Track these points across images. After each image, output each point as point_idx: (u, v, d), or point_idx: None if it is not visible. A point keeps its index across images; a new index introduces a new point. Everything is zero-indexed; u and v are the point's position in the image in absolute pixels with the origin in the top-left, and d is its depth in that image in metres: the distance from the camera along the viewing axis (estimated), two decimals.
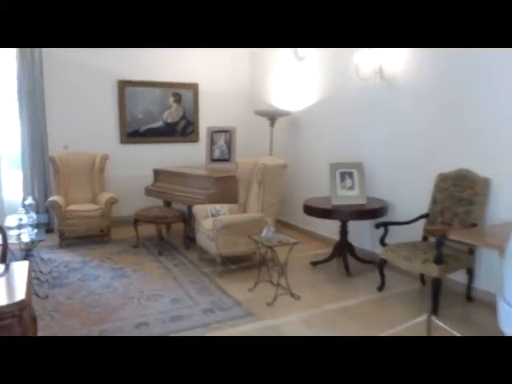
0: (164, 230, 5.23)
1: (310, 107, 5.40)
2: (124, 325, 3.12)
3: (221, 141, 5.48)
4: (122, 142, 5.91)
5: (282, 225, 5.47)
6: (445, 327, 2.46)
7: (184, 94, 6.21)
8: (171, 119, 6.19)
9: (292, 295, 3.54)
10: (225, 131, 5.48)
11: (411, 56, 3.98)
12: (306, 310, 3.34)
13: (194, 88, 6.25)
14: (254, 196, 4.41)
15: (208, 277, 4.03)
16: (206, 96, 6.34)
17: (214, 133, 5.51)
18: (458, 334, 2.43)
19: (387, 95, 4.25)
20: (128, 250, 4.86)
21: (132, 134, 5.95)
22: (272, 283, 3.70)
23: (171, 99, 6.14)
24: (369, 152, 4.48)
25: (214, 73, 6.37)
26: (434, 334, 2.54)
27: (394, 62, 4.14)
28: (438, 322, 2.46)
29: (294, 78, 5.64)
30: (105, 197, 5.11)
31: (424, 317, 2.41)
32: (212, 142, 5.49)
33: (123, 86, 5.80)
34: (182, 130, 6.30)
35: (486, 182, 3.34)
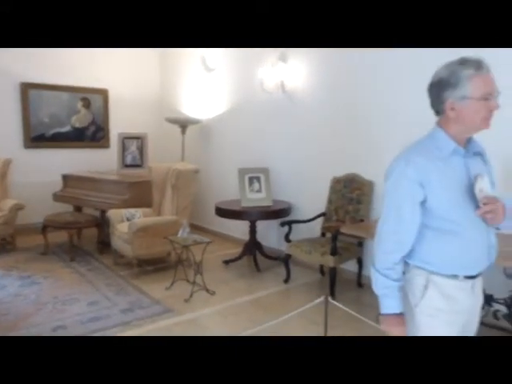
0: (74, 236, 5.15)
1: (219, 116, 5.73)
2: (40, 330, 3.12)
3: (133, 147, 5.56)
4: (27, 146, 5.69)
5: (195, 228, 5.70)
6: (339, 306, 2.92)
7: (93, 98, 6.16)
8: (80, 124, 6.10)
9: (208, 291, 3.81)
10: (136, 138, 5.58)
11: (308, 73, 4.51)
12: (221, 304, 3.64)
13: (103, 93, 6.23)
14: (168, 199, 4.60)
15: (125, 279, 4.13)
16: (117, 102, 6.36)
17: (125, 139, 5.58)
18: (351, 312, 2.91)
19: (289, 107, 4.74)
20: (36, 257, 4.73)
21: (37, 138, 5.75)
22: (188, 281, 3.93)
23: (80, 104, 6.05)
24: (274, 158, 4.94)
25: (125, 79, 6.41)
26: (331, 313, 3.00)
27: (294, 78, 4.64)
28: (333, 301, 2.92)
29: (204, 88, 5.94)
30: (9, 203, 4.90)
31: (322, 298, 2.84)
32: (124, 148, 5.55)
33: (27, 88, 5.59)
34: (92, 135, 6.23)
35: (370, 184, 3.95)
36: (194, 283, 3.77)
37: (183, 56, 6.26)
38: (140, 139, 5.56)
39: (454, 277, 1.46)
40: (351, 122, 4.14)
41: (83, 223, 4.79)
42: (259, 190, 4.57)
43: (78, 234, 5.27)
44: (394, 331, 1.50)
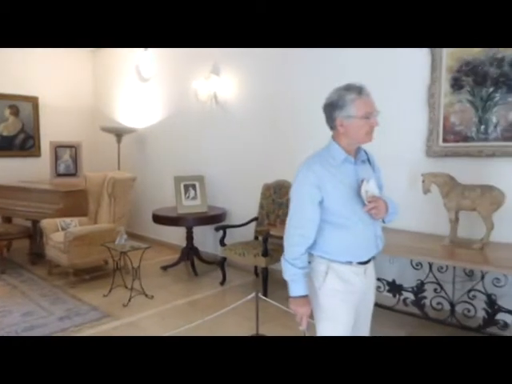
0: (4, 248, 4.99)
1: (155, 125, 5.84)
2: None
3: (66, 156, 5.50)
4: None
5: (132, 236, 5.69)
6: (270, 301, 3.19)
7: (22, 106, 6.00)
8: (8, 132, 5.91)
9: (146, 295, 3.91)
10: (70, 146, 5.53)
11: (239, 86, 4.77)
12: (160, 307, 3.76)
13: (33, 101, 6.09)
14: (104, 208, 4.63)
15: (61, 289, 4.11)
16: (48, 110, 6.23)
17: (58, 147, 5.50)
18: (281, 306, 3.17)
19: (222, 117, 4.97)
20: None
21: None
22: (126, 287, 4.00)
23: (7, 111, 5.87)
24: (209, 166, 5.14)
25: (56, 87, 6.31)
26: (264, 310, 3.25)
27: (226, 90, 4.89)
28: (263, 297, 3.17)
29: (139, 97, 6.02)
30: None
31: (253, 295, 3.08)
32: (57, 157, 5.47)
33: None
34: (21, 143, 6.05)
35: None
36: (132, 289, 3.86)
37: (117, 65, 6.30)
38: (74, 148, 5.51)
39: (349, 263, 1.77)
40: (279, 131, 4.45)
41: (15, 234, 4.67)
42: (195, 197, 4.75)
43: (8, 246, 5.11)
44: (301, 310, 1.77)
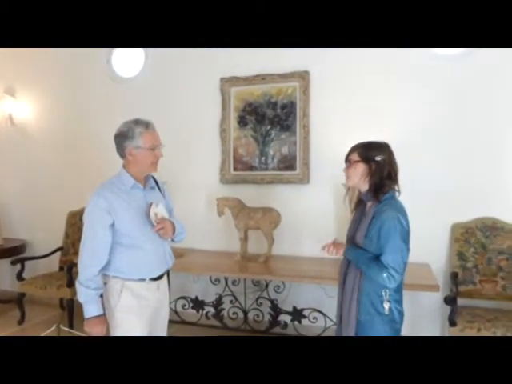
0: None
1: None
2: None
3: None
4: None
5: None
6: (74, 332, 3.11)
7: None
8: None
9: None
10: None
11: (39, 108, 4.52)
12: None
13: None
14: None
15: None
16: None
17: None
18: (81, 334, 3.11)
19: (20, 140, 4.60)
20: None
21: None
22: None
23: None
24: (5, 192, 4.68)
25: None
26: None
27: (24, 112, 4.58)
28: (66, 329, 3.06)
29: None
30: None
31: (54, 327, 2.96)
32: None
33: None
34: None
35: None
36: None
37: None
38: None
39: (142, 280, 1.95)
40: (83, 157, 4.33)
41: None
42: None
43: None
44: (95, 330, 1.87)
